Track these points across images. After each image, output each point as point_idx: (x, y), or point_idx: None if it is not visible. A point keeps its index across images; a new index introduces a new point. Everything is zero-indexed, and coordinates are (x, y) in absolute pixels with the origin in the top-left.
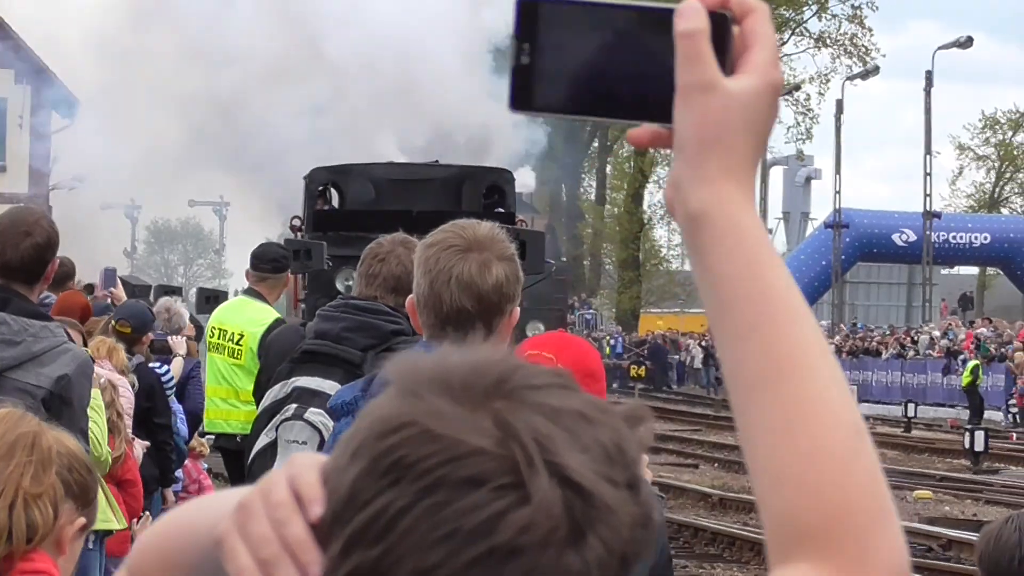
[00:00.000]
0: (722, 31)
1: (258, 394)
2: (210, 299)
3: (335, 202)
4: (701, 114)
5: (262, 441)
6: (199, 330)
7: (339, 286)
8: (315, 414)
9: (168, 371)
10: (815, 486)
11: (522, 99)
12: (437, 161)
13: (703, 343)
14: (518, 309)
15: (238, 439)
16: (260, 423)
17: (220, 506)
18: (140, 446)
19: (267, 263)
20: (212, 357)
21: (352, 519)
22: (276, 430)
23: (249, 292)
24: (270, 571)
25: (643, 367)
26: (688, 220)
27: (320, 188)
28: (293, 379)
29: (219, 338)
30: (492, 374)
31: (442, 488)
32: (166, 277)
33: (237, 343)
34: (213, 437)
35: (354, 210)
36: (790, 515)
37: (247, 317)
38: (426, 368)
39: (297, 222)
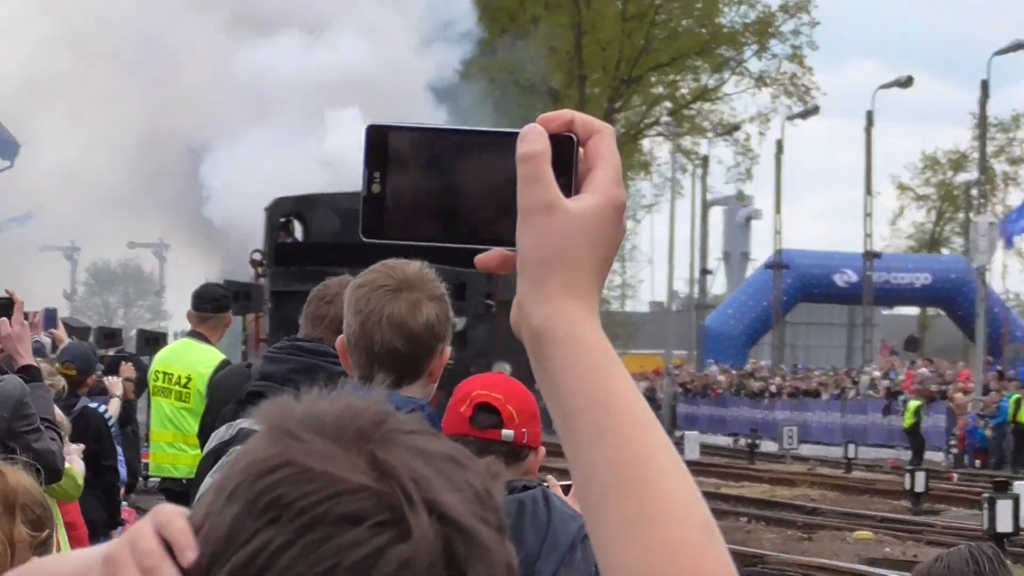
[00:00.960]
0: (567, 153)
1: (203, 436)
2: (150, 341)
3: (299, 234)
4: (541, 234)
5: (208, 483)
6: (143, 372)
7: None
8: None
9: (107, 411)
10: None
11: (373, 228)
12: None
13: (642, 383)
14: (449, 348)
15: (184, 481)
16: (206, 465)
17: (74, 564)
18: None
19: (208, 303)
20: (157, 401)
21: (231, 558)
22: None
23: (192, 334)
24: None
25: None
26: (531, 337)
27: (283, 219)
28: (239, 421)
29: (164, 381)
30: (364, 417)
31: (321, 525)
32: (106, 319)
33: (184, 386)
34: (159, 480)
35: (319, 243)
36: None
37: (194, 359)
38: (298, 411)
39: (258, 256)
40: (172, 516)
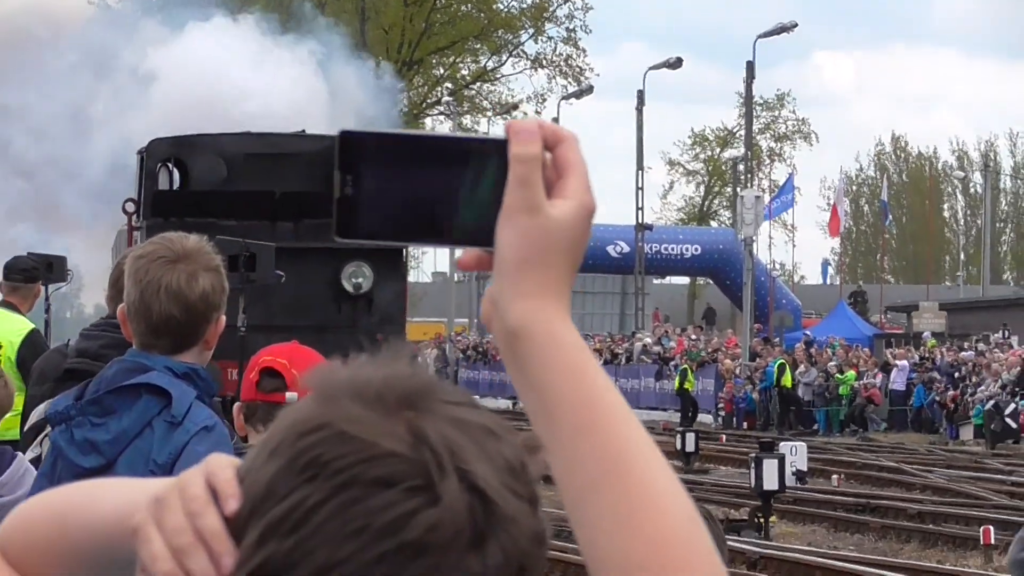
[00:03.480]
0: None
1: (25, 413)
2: None
3: (177, 181)
4: (524, 234)
5: (30, 455)
6: None
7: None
8: None
9: None
10: (662, 570)
11: (346, 228)
12: (304, 131)
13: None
14: (224, 317)
15: None
16: (27, 439)
17: (119, 493)
18: None
19: (18, 273)
20: None
21: (268, 512)
22: (41, 445)
23: (3, 304)
24: (183, 559)
25: None
26: (506, 334)
27: (159, 164)
28: (56, 399)
29: None
30: (405, 386)
31: (356, 486)
32: None
33: None
34: None
35: (202, 191)
36: None
37: (4, 328)
38: (343, 377)
39: (131, 206)
40: (222, 466)
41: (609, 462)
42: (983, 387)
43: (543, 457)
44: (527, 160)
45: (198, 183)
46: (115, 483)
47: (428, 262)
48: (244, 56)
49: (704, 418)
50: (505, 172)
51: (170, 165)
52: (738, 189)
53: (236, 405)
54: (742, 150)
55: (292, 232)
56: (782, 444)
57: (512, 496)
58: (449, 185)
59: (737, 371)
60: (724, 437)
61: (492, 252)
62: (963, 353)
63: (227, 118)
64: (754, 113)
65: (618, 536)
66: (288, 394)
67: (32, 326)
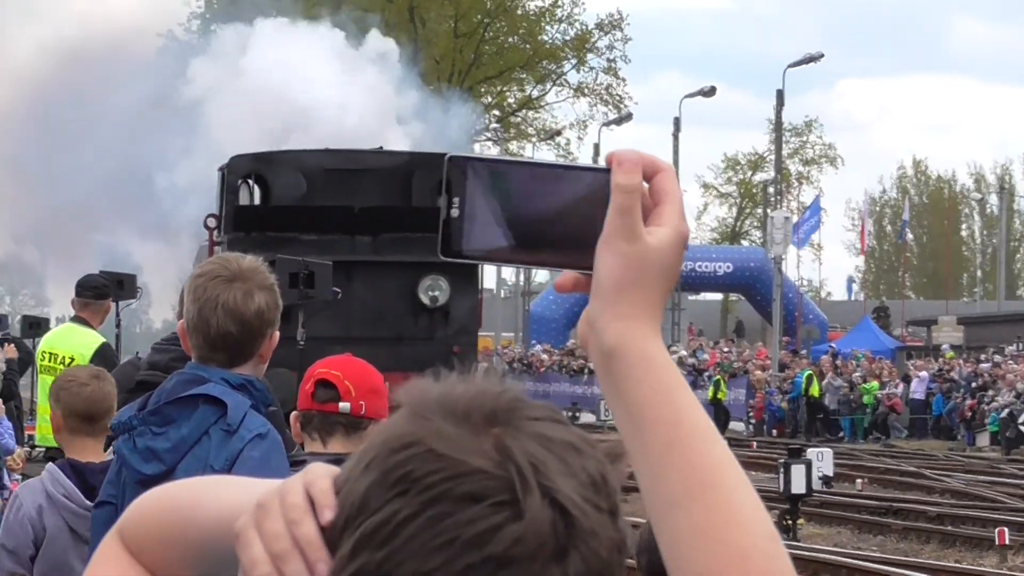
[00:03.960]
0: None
1: None
2: (33, 325)
3: (258, 197)
4: (622, 259)
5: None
6: (26, 353)
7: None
8: None
9: None
10: None
11: (451, 248)
12: (381, 147)
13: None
14: (278, 333)
15: None
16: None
17: (229, 495)
18: None
19: (90, 290)
20: (44, 378)
21: (362, 524)
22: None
23: (76, 319)
24: (280, 564)
25: None
26: (602, 353)
27: (241, 180)
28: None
29: (50, 361)
30: (493, 403)
31: (445, 501)
32: None
33: (68, 365)
34: (43, 449)
35: (282, 206)
36: None
37: (76, 342)
38: (434, 394)
39: (212, 221)
40: (320, 476)
41: (694, 478)
42: (999, 396)
43: (625, 465)
44: (630, 190)
45: (279, 198)
46: (229, 482)
47: None
48: (327, 69)
49: (736, 426)
50: (606, 199)
51: (251, 181)
52: (768, 210)
53: (293, 414)
54: (772, 173)
55: (370, 246)
56: (809, 450)
57: (593, 510)
58: (549, 210)
59: (767, 381)
60: (755, 444)
61: (589, 275)
62: (980, 364)
63: (307, 132)
64: (783, 138)
65: (700, 550)
66: (341, 404)
67: (103, 340)
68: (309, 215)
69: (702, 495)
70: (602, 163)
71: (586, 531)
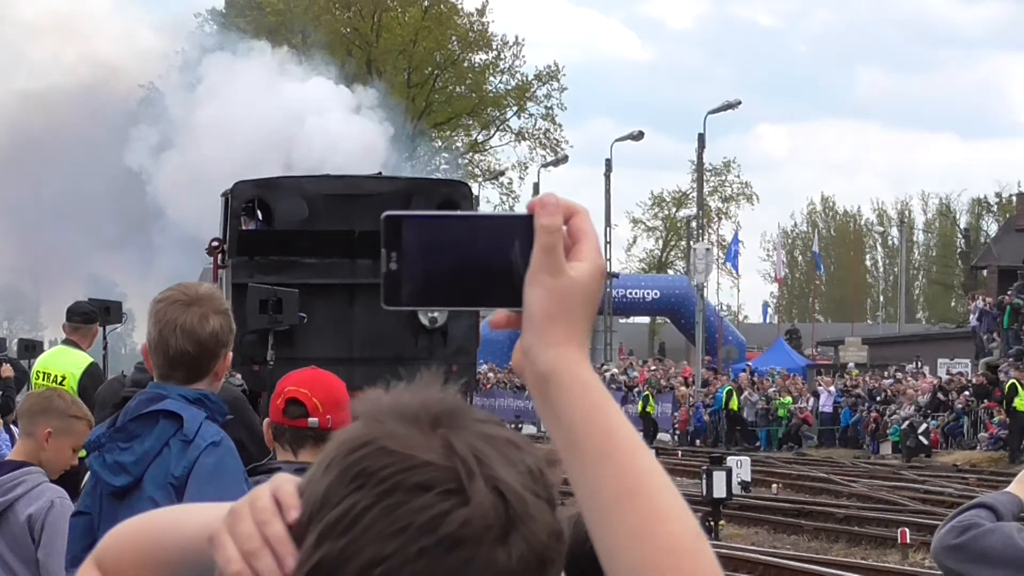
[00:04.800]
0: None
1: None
2: (28, 347)
3: (261, 222)
4: (550, 293)
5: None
6: (21, 372)
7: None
8: None
9: None
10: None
11: (392, 298)
12: (380, 173)
13: None
14: (231, 353)
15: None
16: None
17: (200, 514)
18: None
19: (79, 316)
20: None
21: (324, 517)
22: None
23: (67, 342)
24: (252, 561)
25: None
26: (538, 379)
27: (244, 205)
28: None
29: (44, 380)
30: (439, 407)
31: (398, 491)
32: None
33: (60, 383)
34: None
35: (285, 230)
36: None
37: (67, 361)
38: (385, 402)
39: (216, 244)
40: (285, 482)
41: (626, 484)
42: (900, 410)
43: (560, 471)
44: (552, 230)
45: (281, 223)
46: (199, 506)
47: None
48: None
49: (663, 436)
50: (529, 242)
51: (253, 206)
52: (691, 243)
53: (265, 422)
54: (695, 209)
55: (370, 269)
56: (729, 458)
57: (532, 496)
58: (478, 255)
59: (691, 396)
60: (680, 453)
61: (519, 312)
62: (883, 381)
63: (297, 161)
64: (704, 178)
65: (635, 548)
66: (310, 420)
67: (91, 360)
68: (311, 239)
69: (634, 500)
70: (522, 209)
71: (527, 515)
